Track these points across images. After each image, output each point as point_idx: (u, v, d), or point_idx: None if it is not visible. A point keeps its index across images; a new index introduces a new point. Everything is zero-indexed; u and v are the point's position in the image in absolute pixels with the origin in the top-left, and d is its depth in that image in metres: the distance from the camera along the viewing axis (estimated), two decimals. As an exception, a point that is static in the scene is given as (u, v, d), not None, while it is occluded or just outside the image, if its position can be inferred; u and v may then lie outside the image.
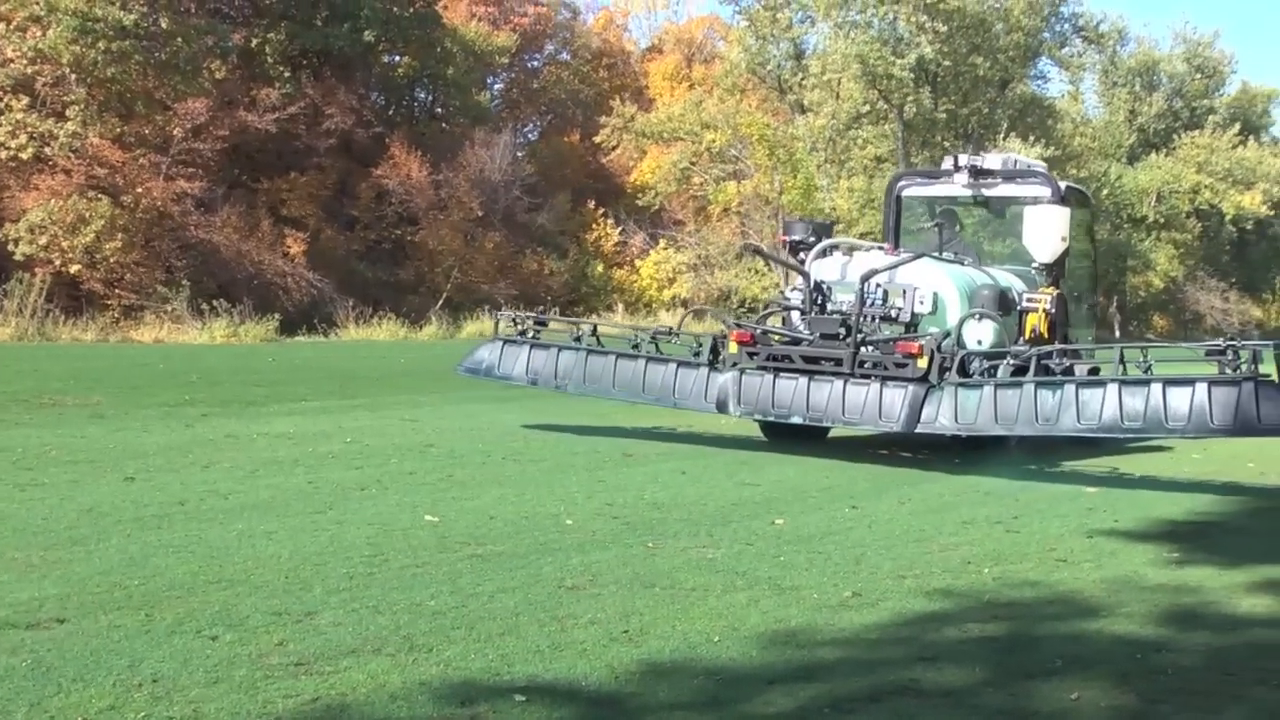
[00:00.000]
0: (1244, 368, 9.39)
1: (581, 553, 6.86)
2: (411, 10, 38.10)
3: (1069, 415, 9.85)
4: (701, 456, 11.29)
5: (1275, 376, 9.56)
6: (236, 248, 31.18)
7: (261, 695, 4.39)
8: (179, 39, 29.95)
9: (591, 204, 44.63)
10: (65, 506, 7.63)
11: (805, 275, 12.22)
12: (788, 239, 13.18)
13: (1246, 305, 57.24)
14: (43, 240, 26.84)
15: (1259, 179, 52.85)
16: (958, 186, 13.75)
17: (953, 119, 42.60)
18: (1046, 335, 12.03)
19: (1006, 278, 12.82)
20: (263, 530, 7.13)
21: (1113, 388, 9.71)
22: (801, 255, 12.71)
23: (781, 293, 17.04)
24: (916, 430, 10.66)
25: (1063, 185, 13.72)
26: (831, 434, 12.64)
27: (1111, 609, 6.06)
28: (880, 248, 13.09)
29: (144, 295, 28.15)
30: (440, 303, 35.23)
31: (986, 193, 13.71)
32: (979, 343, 11.44)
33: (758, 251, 32.57)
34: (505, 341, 12.73)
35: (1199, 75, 56.18)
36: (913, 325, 11.65)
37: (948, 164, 14.14)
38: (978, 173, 13.56)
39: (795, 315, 12.33)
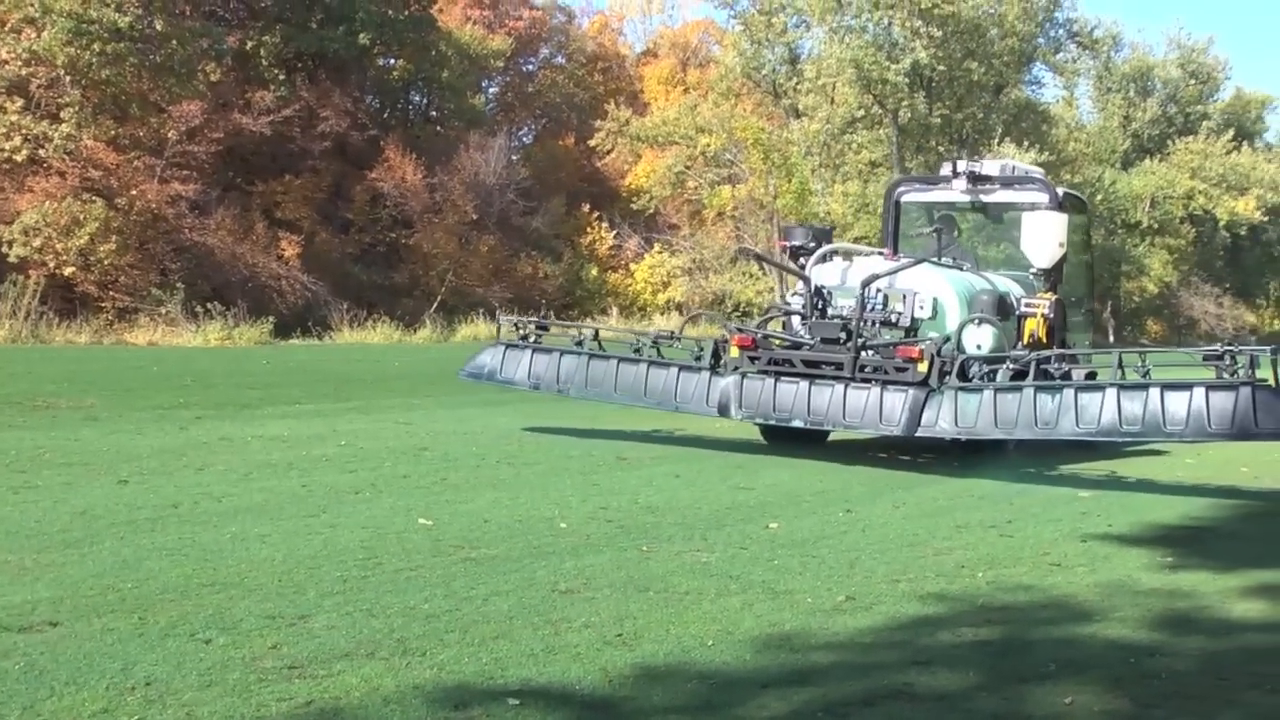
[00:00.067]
0: (1242, 373, 9.43)
1: (575, 556, 6.86)
2: (406, 13, 38.11)
3: (1068, 419, 9.89)
4: (696, 460, 11.29)
5: (1273, 382, 9.59)
6: (231, 250, 31.17)
7: (255, 699, 4.39)
8: (174, 41, 29.96)
9: (586, 208, 44.68)
10: (59, 509, 7.62)
11: (806, 280, 12.26)
12: (788, 244, 13.23)
13: (1240, 310, 57.33)
14: (37, 242, 26.82)
15: (1253, 184, 52.86)
16: (956, 192, 13.78)
17: (947, 124, 42.64)
18: (1045, 340, 12.06)
19: (1005, 283, 12.85)
20: (256, 533, 7.12)
21: (1111, 392, 9.76)
22: (801, 260, 12.75)
23: (781, 297, 17.06)
24: (917, 434, 10.71)
25: (1060, 191, 13.76)
26: (830, 437, 12.64)
27: (1105, 613, 6.07)
28: (880, 253, 13.13)
29: (138, 298, 28.11)
30: (435, 306, 35.21)
31: (985, 198, 13.74)
32: (978, 347, 11.47)
33: (754, 256, 32.59)
34: (507, 346, 12.76)
35: (1193, 81, 56.21)
36: (913, 330, 11.72)
37: (946, 170, 14.19)
38: (976, 178, 13.59)
39: (796, 320, 12.38)
